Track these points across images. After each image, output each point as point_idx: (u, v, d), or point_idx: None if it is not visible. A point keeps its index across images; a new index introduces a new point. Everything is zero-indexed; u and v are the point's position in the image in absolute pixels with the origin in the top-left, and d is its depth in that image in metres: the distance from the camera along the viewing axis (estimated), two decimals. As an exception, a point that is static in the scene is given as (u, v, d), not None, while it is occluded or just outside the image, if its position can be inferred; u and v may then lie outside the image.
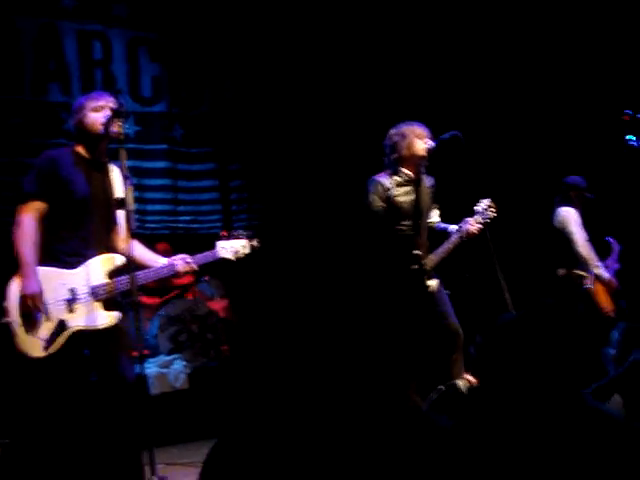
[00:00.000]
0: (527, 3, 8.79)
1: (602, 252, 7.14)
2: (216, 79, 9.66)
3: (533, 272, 7.60)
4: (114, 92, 8.61)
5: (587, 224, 6.99)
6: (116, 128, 4.41)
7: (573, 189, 7.03)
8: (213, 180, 9.57)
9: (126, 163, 4.33)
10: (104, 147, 4.48)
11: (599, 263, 6.88)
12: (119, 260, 4.33)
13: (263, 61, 9.71)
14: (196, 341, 7.78)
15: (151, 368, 7.15)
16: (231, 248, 4.68)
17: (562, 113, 8.67)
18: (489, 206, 5.62)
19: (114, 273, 4.30)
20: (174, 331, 7.72)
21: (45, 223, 4.21)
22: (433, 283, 5.45)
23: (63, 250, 4.20)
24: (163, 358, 7.46)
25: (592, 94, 8.52)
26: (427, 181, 5.52)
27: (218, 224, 9.48)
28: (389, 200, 5.35)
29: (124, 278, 4.27)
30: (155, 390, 6.94)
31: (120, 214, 4.37)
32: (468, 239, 5.43)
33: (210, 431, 6.38)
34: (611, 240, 7.29)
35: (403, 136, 5.41)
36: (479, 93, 8.95)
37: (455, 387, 4.81)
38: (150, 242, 8.13)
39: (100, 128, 4.32)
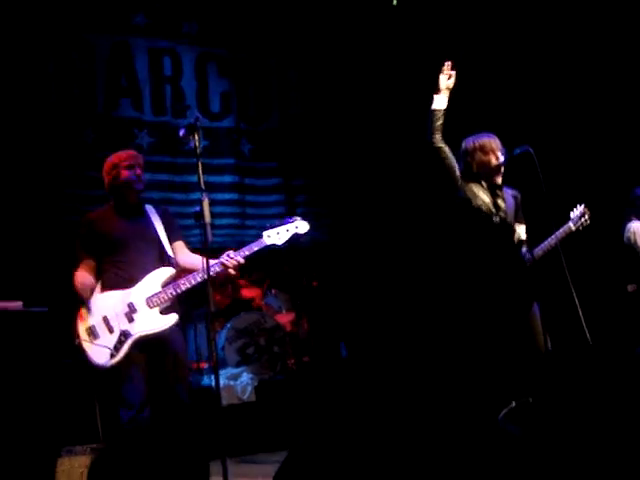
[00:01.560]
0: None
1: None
2: (283, 95, 9.77)
3: (604, 288, 7.47)
4: (184, 107, 8.90)
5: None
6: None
7: None
8: (279, 195, 9.68)
9: (193, 178, 4.45)
10: (134, 195, 4.97)
11: None
12: (168, 272, 4.80)
13: (330, 77, 9.80)
14: (263, 354, 7.83)
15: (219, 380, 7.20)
16: (276, 235, 4.93)
17: (630, 123, 8.51)
18: (583, 213, 5.57)
19: (166, 283, 4.75)
20: (242, 344, 7.79)
21: (99, 266, 4.81)
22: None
23: (117, 280, 4.73)
24: (231, 370, 7.54)
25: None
26: (509, 192, 5.41)
27: (284, 238, 9.54)
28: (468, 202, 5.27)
29: (174, 284, 4.72)
30: (223, 402, 7.00)
31: (166, 243, 4.91)
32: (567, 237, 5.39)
33: (277, 443, 6.43)
34: None
35: (472, 155, 5.36)
36: (547, 103, 8.85)
37: (528, 404, 4.73)
38: (217, 256, 8.36)
39: (134, 184, 4.92)
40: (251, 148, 9.53)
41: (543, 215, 5.03)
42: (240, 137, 9.48)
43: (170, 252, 4.90)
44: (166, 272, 4.79)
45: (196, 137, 4.51)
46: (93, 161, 8.38)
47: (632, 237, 6.72)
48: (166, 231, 4.94)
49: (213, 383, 6.78)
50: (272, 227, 4.95)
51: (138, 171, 4.93)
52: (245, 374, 7.48)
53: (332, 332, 8.87)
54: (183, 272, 4.85)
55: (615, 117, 8.56)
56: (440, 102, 5.16)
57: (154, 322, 4.66)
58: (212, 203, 8.90)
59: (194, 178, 4.70)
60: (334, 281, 9.06)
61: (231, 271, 4.78)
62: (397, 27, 9.40)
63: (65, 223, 7.86)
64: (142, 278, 4.72)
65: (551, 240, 5.35)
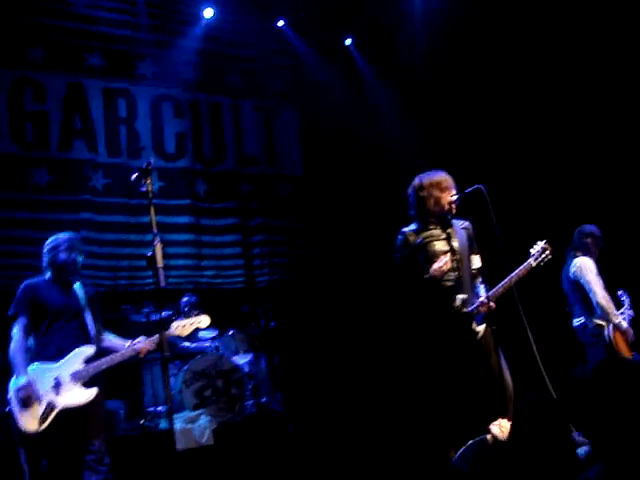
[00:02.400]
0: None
1: (616, 300, 7.03)
2: (238, 136, 9.81)
3: (552, 322, 7.53)
4: (139, 148, 8.88)
5: (603, 272, 6.91)
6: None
7: (590, 237, 6.97)
8: (235, 235, 9.65)
9: (146, 219, 4.45)
10: (69, 276, 5.42)
11: (617, 312, 6.79)
12: (90, 349, 5.28)
13: (288, 118, 9.95)
14: (221, 396, 7.74)
15: (176, 424, 7.10)
16: (182, 327, 5.46)
17: (577, 163, 8.70)
18: (545, 248, 5.57)
19: (90, 360, 5.23)
20: (199, 386, 7.69)
21: (31, 334, 5.25)
22: (480, 328, 5.28)
23: (47, 351, 5.20)
24: (188, 414, 7.43)
25: (607, 146, 8.53)
26: (460, 225, 5.45)
27: (240, 279, 9.54)
28: (424, 248, 5.31)
29: (97, 362, 5.22)
30: (180, 446, 6.87)
31: (89, 319, 5.37)
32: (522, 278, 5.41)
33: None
34: (621, 293, 7.19)
35: (428, 192, 5.41)
36: (500, 144, 9.03)
37: (484, 442, 4.71)
38: (174, 297, 8.31)
39: (68, 268, 5.37)
40: (207, 189, 9.51)
41: (496, 251, 5.07)
42: (196, 178, 9.46)
43: (93, 331, 5.37)
44: (88, 350, 5.27)
45: (148, 181, 4.47)
46: (47, 203, 8.38)
47: (578, 271, 6.83)
48: (91, 312, 5.42)
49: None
50: (181, 318, 5.51)
51: (74, 255, 5.39)
52: (203, 417, 7.37)
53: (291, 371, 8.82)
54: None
55: (564, 155, 8.74)
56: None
57: (77, 396, 5.14)
58: (168, 244, 9.00)
59: (148, 219, 4.67)
60: (292, 321, 9.03)
61: (142, 354, 5.33)
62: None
63: (18, 267, 7.77)
64: (68, 353, 5.19)
65: (511, 278, 5.38)
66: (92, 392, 5.20)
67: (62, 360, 5.19)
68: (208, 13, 9.39)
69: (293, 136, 10.18)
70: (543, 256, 5.55)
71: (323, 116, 9.85)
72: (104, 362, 5.24)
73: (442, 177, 5.45)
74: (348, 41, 10.31)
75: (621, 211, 8.20)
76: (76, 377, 5.16)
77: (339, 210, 9.72)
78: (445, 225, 5.43)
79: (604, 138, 8.54)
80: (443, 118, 9.42)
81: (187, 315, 5.64)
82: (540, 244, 5.60)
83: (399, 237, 5.46)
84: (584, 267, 6.84)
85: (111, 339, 5.53)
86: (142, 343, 5.31)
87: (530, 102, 8.96)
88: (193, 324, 5.48)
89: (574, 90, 8.68)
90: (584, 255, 6.92)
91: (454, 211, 5.42)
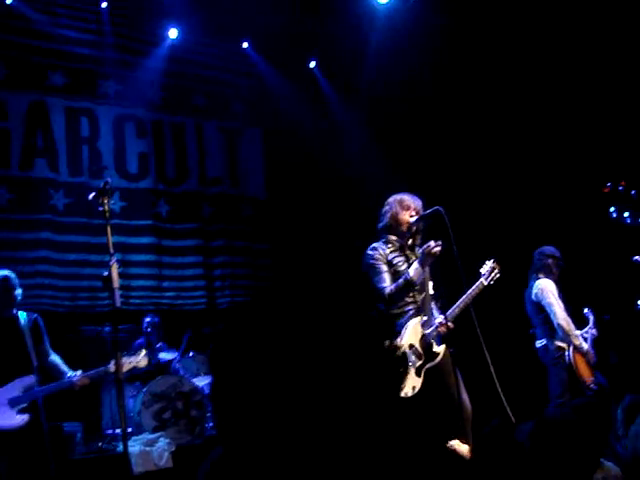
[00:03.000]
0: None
1: (579, 321, 7.11)
2: (202, 157, 9.80)
3: (517, 344, 7.58)
4: (100, 168, 8.82)
5: (564, 293, 6.99)
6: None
7: (551, 258, 7.03)
8: (197, 256, 9.61)
9: (112, 239, 4.39)
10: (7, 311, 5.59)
11: (579, 333, 6.85)
12: (30, 379, 5.48)
13: (251, 139, 9.99)
14: (180, 418, 7.65)
15: (135, 446, 7.00)
16: (128, 363, 5.57)
17: (538, 185, 8.83)
18: (493, 267, 5.63)
19: (29, 388, 5.44)
20: (158, 408, 7.60)
21: None
22: (440, 349, 5.30)
23: None
24: (147, 436, 7.32)
25: (571, 167, 8.68)
26: (420, 250, 5.50)
27: (202, 300, 9.48)
28: (390, 265, 5.35)
29: (35, 391, 5.45)
30: (138, 469, 6.78)
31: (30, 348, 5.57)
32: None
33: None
34: (587, 311, 7.26)
35: (390, 206, 5.50)
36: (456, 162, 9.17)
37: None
38: (135, 318, 8.24)
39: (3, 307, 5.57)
40: (169, 209, 9.48)
41: (454, 272, 5.11)
42: (158, 198, 9.42)
43: (35, 360, 5.55)
44: (28, 379, 5.46)
45: (105, 201, 4.44)
46: (7, 222, 8.29)
47: (540, 293, 6.88)
48: (33, 340, 5.60)
49: (129, 450, 6.64)
50: (125, 355, 5.57)
51: (6, 296, 5.55)
52: (162, 439, 7.28)
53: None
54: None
55: (522, 180, 8.88)
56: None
57: (9, 419, 5.34)
58: (129, 265, 8.93)
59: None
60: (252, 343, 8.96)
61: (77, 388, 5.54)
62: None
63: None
64: (8, 380, 5.42)
65: (465, 298, 5.42)
66: (24, 417, 5.37)
67: (3, 387, 5.41)
68: (173, 34, 9.39)
69: (257, 157, 10.19)
70: (492, 274, 5.62)
71: (287, 138, 9.87)
72: (39, 391, 5.48)
73: (407, 197, 5.51)
74: (312, 64, 10.36)
75: (577, 231, 8.33)
76: (12, 403, 5.36)
77: (302, 232, 9.72)
78: (408, 248, 5.46)
79: (558, 161, 8.69)
80: (406, 141, 9.51)
81: (132, 352, 5.69)
82: (489, 263, 5.68)
83: (375, 257, 5.43)
84: (545, 289, 6.88)
85: (57, 365, 5.73)
86: (78, 378, 5.53)
87: (488, 125, 9.11)
88: (132, 363, 5.59)
89: (529, 116, 8.85)
90: (546, 276, 6.97)
91: (413, 230, 5.45)
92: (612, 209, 7.21)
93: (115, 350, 4.25)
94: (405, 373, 5.10)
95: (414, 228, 5.44)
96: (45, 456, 5.41)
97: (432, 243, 5.19)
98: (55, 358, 5.73)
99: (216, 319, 9.07)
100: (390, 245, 5.45)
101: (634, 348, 7.59)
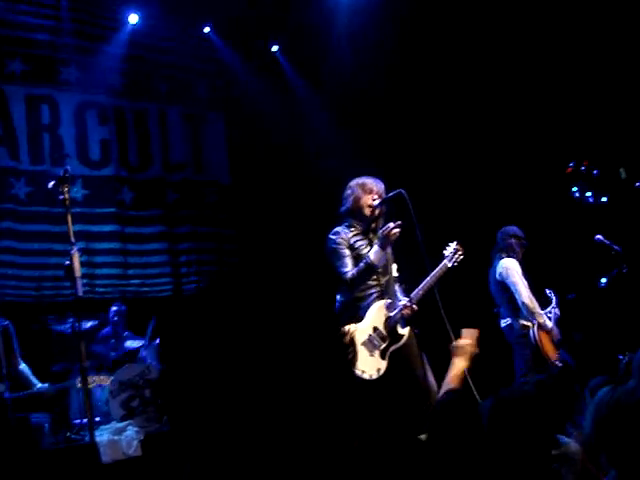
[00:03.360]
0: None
1: (542, 300, 7.18)
2: (165, 142, 9.72)
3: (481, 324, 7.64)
4: (62, 156, 8.71)
5: (527, 272, 7.04)
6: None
7: (514, 237, 7.08)
8: (162, 243, 9.54)
9: (72, 228, 4.35)
10: None
11: (543, 312, 6.92)
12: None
13: (214, 124, 9.93)
14: (149, 406, 7.61)
15: (103, 435, 6.96)
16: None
17: (500, 165, 8.90)
18: (457, 249, 5.67)
19: None
20: (126, 396, 7.54)
21: None
22: (405, 331, 5.35)
23: None
24: (115, 425, 7.28)
25: (534, 147, 8.75)
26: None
27: (168, 287, 9.44)
28: (353, 249, 5.36)
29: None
30: (107, 458, 6.73)
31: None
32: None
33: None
34: (549, 292, 7.33)
35: (352, 189, 5.49)
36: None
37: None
38: (102, 306, 8.19)
39: None
40: (132, 196, 9.38)
41: (417, 254, 5.14)
42: (121, 185, 9.32)
43: (4, 367, 5.74)
44: None
45: (65, 189, 4.39)
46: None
47: (504, 272, 6.93)
48: (4, 347, 5.79)
49: (97, 439, 6.61)
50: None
51: None
52: (130, 428, 7.24)
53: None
54: None
55: (485, 159, 8.94)
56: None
57: None
58: (94, 253, 8.85)
59: (73, 228, 4.58)
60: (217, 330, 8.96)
61: None
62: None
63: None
64: None
65: (429, 279, 5.46)
66: None
67: None
68: (133, 19, 9.28)
69: (220, 143, 10.12)
70: (456, 256, 5.67)
71: (251, 123, 9.83)
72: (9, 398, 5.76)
73: (369, 180, 5.51)
74: (275, 48, 10.31)
75: (540, 211, 8.41)
76: None
77: (268, 216, 9.71)
78: (371, 232, 5.48)
79: (521, 141, 8.76)
80: (370, 125, 9.52)
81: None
82: (452, 245, 5.72)
83: (338, 242, 5.42)
84: (509, 268, 6.93)
85: (27, 375, 6.10)
86: (46, 389, 5.95)
87: (450, 106, 9.17)
88: (95, 382, 5.94)
89: (491, 97, 8.91)
90: (509, 256, 7.02)
91: (375, 214, 5.45)
92: (575, 188, 7.28)
93: (79, 339, 4.21)
94: (354, 359, 5.13)
95: (377, 211, 5.45)
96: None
97: (391, 224, 5.21)
98: (24, 368, 5.75)
99: (182, 306, 9.03)
100: (353, 229, 5.46)
101: (598, 327, 7.69)
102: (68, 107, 9.08)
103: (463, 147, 9.12)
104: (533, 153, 8.72)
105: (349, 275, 5.26)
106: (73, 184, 8.67)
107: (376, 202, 5.41)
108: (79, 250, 4.34)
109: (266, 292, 9.16)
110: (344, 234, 5.42)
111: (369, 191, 5.45)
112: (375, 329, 5.24)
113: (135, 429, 7.19)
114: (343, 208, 5.53)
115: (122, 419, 7.40)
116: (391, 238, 5.22)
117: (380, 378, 5.10)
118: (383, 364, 5.15)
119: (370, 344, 5.18)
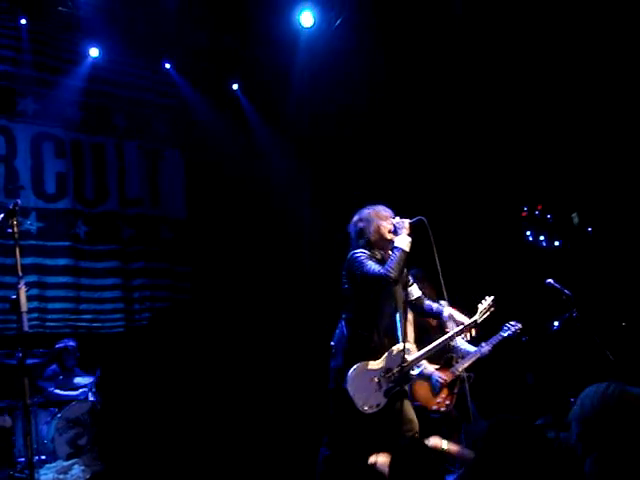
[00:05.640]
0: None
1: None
2: (121, 177, 9.66)
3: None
4: (17, 187, 8.62)
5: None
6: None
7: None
8: (115, 278, 9.43)
9: (24, 261, 4.29)
10: None
11: None
12: None
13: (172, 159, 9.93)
14: (96, 444, 7.47)
15: (48, 474, 6.84)
16: None
17: (454, 209, 8.95)
18: (490, 306, 5.51)
19: None
20: (73, 434, 7.42)
21: None
22: (415, 372, 5.36)
23: None
24: (61, 463, 7.14)
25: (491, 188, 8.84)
26: None
27: (120, 323, 9.33)
28: None
29: None
30: (50, 498, 6.61)
31: None
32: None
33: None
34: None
35: (368, 221, 5.33)
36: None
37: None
38: (53, 341, 8.04)
39: None
40: (87, 230, 9.27)
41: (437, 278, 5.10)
42: (76, 219, 9.21)
43: None
44: None
45: (14, 222, 4.33)
46: None
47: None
48: None
49: (41, 478, 6.46)
50: None
51: None
52: (77, 467, 7.10)
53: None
54: None
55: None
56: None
57: None
58: (45, 287, 8.72)
59: (25, 260, 4.53)
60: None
61: None
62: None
63: None
64: None
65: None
66: None
67: None
68: (94, 52, 9.25)
69: (177, 178, 10.09)
70: (487, 314, 5.52)
71: (209, 158, 9.85)
72: None
73: (380, 207, 5.39)
74: (235, 86, 10.35)
75: (493, 254, 8.48)
76: None
77: (223, 253, 9.69)
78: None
79: (476, 184, 8.86)
80: (330, 161, 9.58)
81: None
82: (488, 300, 5.56)
83: (359, 253, 5.23)
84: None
85: None
86: None
87: (408, 149, 9.26)
88: None
89: (448, 136, 9.02)
90: None
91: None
92: (528, 232, 7.37)
93: (22, 375, 4.13)
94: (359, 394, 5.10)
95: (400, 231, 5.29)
96: None
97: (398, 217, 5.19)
98: None
99: (134, 342, 8.94)
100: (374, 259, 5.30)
101: (550, 369, 7.76)
102: (25, 139, 8.99)
103: (422, 188, 9.16)
104: (487, 196, 8.80)
105: (384, 271, 5.03)
106: (27, 216, 8.60)
107: (397, 221, 5.28)
108: (26, 284, 4.26)
109: (218, 329, 9.12)
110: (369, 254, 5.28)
111: (385, 217, 5.34)
112: (388, 370, 5.16)
113: (81, 468, 7.07)
114: (362, 241, 5.32)
115: (68, 457, 7.27)
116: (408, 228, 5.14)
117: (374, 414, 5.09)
118: (383, 401, 5.12)
119: (378, 383, 5.12)
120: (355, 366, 5.07)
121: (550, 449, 2.86)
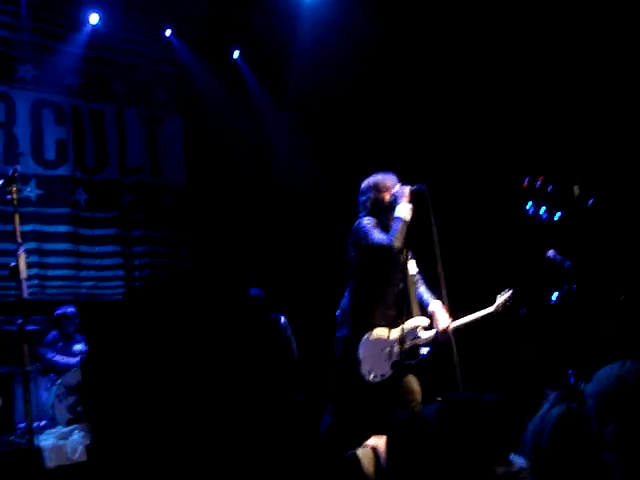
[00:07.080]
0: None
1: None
2: (122, 145, 9.63)
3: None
4: (16, 154, 8.59)
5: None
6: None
7: None
8: (116, 246, 9.43)
9: (20, 228, 4.28)
10: None
11: None
12: None
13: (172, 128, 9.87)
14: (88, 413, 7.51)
15: (48, 440, 6.86)
16: None
17: (455, 182, 8.92)
18: (509, 299, 5.35)
19: None
20: (73, 401, 7.46)
21: None
22: (424, 351, 5.22)
23: None
24: (61, 429, 7.19)
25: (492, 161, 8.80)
26: None
27: (120, 290, 9.34)
28: None
29: None
30: (51, 463, 6.63)
31: None
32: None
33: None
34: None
35: (374, 190, 5.28)
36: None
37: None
38: (50, 308, 8.05)
39: None
40: (87, 197, 9.26)
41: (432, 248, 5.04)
42: (76, 186, 9.20)
43: None
44: None
45: (13, 189, 4.32)
46: None
47: None
48: None
49: (41, 444, 6.51)
50: None
51: None
52: (76, 433, 7.14)
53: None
54: None
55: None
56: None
57: None
58: (46, 254, 8.71)
59: (25, 227, 4.52)
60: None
61: None
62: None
63: None
64: None
65: (473, 317, 5.27)
66: None
67: None
68: (94, 19, 9.20)
69: (177, 146, 10.06)
70: (505, 306, 5.36)
71: (209, 127, 9.82)
72: None
73: (381, 178, 5.33)
74: (236, 53, 10.28)
75: (494, 226, 8.46)
76: None
77: (223, 221, 9.68)
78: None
79: (476, 156, 8.82)
80: (331, 131, 9.53)
81: None
82: (507, 294, 5.40)
83: (366, 222, 5.17)
84: None
85: None
86: None
87: (411, 117, 9.19)
88: None
89: (451, 107, 8.96)
90: None
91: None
92: (529, 205, 7.33)
93: (22, 342, 4.14)
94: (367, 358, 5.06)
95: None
96: None
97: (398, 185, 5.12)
98: None
99: (134, 309, 8.94)
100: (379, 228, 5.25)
101: (549, 341, 7.77)
102: (24, 105, 8.96)
103: (425, 160, 9.12)
104: (488, 169, 8.76)
105: (387, 240, 4.98)
106: (26, 183, 8.59)
107: (397, 189, 5.23)
108: (26, 251, 4.26)
109: (217, 297, 9.12)
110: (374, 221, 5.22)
111: (390, 186, 5.30)
112: (402, 343, 5.10)
113: (81, 434, 7.11)
114: (368, 210, 5.26)
115: (68, 423, 7.32)
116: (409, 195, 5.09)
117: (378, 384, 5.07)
118: (389, 373, 5.10)
119: (389, 353, 5.09)
120: (372, 332, 5.03)
121: (500, 426, 2.87)
